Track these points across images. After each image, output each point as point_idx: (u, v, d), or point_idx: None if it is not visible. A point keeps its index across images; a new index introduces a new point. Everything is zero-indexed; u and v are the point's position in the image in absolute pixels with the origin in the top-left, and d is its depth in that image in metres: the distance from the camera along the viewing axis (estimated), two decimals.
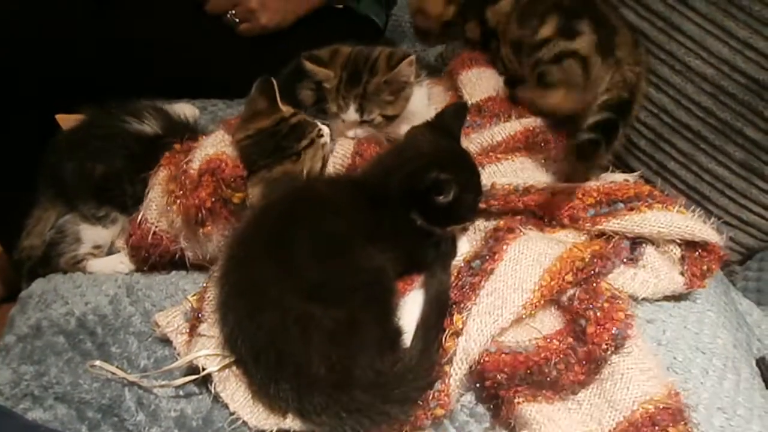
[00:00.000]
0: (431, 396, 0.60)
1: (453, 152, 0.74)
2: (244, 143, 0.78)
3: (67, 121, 1.05)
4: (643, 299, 0.72)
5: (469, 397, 0.63)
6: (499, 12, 0.94)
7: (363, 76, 0.81)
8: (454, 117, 0.75)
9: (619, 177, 0.80)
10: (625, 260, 0.72)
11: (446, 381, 0.60)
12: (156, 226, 0.77)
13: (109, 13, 1.08)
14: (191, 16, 1.12)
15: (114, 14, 1.07)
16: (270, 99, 0.79)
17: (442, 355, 0.61)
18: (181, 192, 0.75)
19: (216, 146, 0.78)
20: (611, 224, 0.72)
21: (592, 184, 0.77)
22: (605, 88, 0.80)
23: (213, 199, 0.73)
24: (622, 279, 0.72)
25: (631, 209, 0.72)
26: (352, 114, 0.82)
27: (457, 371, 0.60)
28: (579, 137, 0.73)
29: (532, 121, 0.86)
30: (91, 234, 0.83)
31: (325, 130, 0.81)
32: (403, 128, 0.81)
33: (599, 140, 0.73)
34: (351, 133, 0.84)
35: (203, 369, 0.62)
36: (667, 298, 0.74)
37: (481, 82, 0.93)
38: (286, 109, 0.80)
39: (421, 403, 0.59)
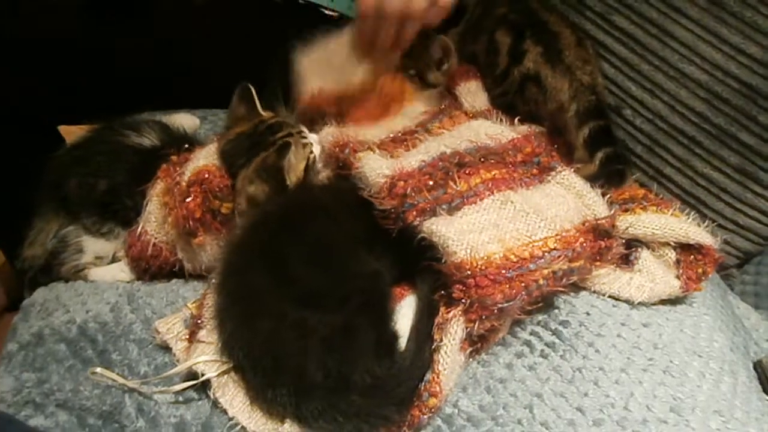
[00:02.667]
0: (422, 388, 0.60)
1: None
2: (224, 148, 0.79)
3: (69, 132, 1.06)
4: (640, 303, 0.72)
5: (465, 402, 0.63)
6: (456, 32, 0.98)
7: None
8: None
9: None
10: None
11: (435, 369, 0.60)
12: (155, 238, 0.78)
13: (112, 25, 1.09)
14: (192, 27, 1.14)
15: (117, 26, 1.09)
16: (249, 105, 0.81)
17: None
18: (174, 203, 0.76)
19: (207, 158, 0.79)
20: None
21: None
22: (569, 96, 0.83)
23: (202, 210, 0.74)
24: (618, 284, 0.73)
25: (626, 210, 0.73)
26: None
27: (445, 357, 0.61)
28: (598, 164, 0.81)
29: (526, 129, 0.87)
30: (94, 245, 0.84)
31: (313, 137, 0.82)
32: None
33: (623, 169, 0.80)
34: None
35: (202, 375, 0.62)
36: (663, 302, 0.74)
37: (480, 95, 0.95)
38: (266, 114, 0.81)
39: (415, 399, 0.60)
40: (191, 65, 1.12)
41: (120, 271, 0.82)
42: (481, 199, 0.67)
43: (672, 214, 0.73)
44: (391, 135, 0.80)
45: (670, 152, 0.90)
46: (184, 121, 0.98)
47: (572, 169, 0.75)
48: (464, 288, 0.61)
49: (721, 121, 0.86)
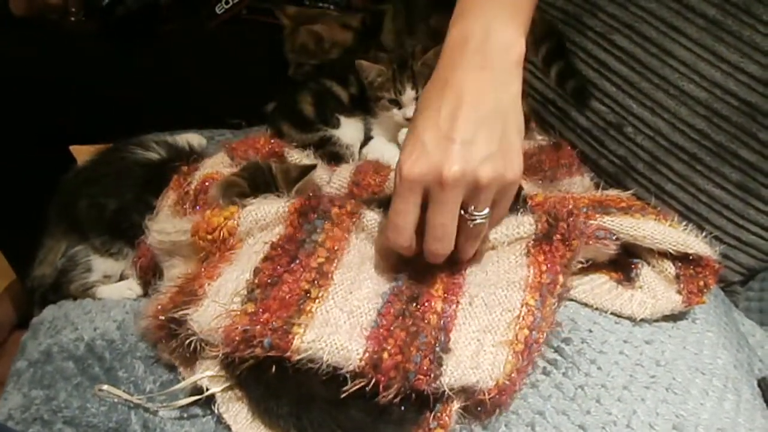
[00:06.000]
0: (432, 417, 0.60)
1: None
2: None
3: (80, 151, 1.08)
4: (642, 320, 0.73)
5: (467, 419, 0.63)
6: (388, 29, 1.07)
7: (408, 62, 0.96)
8: None
9: (612, 192, 0.82)
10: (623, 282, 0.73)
11: (448, 402, 0.60)
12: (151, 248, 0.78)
13: (125, 50, 1.12)
14: (202, 50, 1.17)
15: (129, 51, 1.12)
16: (299, 179, 0.79)
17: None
18: (183, 213, 0.77)
19: (213, 167, 0.81)
20: (605, 220, 0.72)
21: (584, 193, 0.79)
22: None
23: None
24: (620, 301, 0.73)
25: (625, 214, 0.73)
26: (409, 92, 0.95)
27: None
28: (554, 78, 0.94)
29: (524, 144, 0.87)
30: (102, 265, 0.85)
31: None
32: None
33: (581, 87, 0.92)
34: (411, 112, 0.95)
35: (207, 390, 0.63)
36: (666, 319, 0.74)
37: None
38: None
39: (420, 423, 0.60)
40: (200, 88, 1.15)
41: (127, 289, 0.83)
42: (456, 319, 0.62)
43: (670, 225, 0.73)
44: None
45: (672, 169, 0.90)
46: (192, 139, 1.00)
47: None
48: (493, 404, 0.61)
49: (721, 138, 0.86)
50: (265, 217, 0.68)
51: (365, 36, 1.14)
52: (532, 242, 0.68)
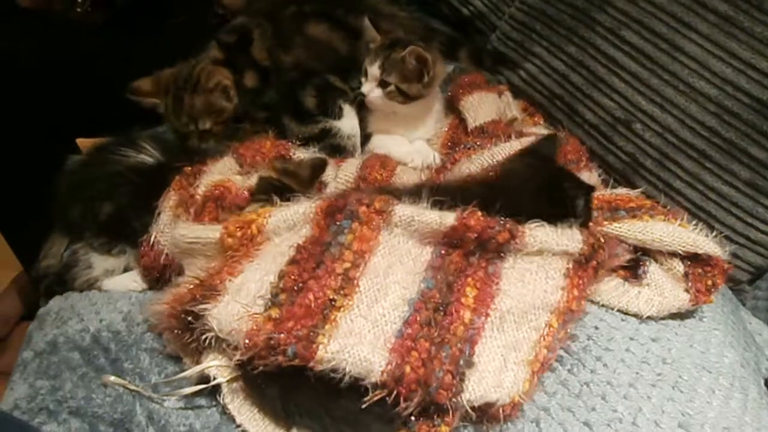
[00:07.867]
0: (437, 414, 0.59)
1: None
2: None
3: (86, 144, 1.08)
4: (649, 318, 0.72)
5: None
6: (261, 48, 1.00)
7: (396, 47, 0.92)
8: (549, 146, 0.82)
9: (621, 191, 0.82)
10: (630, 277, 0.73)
11: (453, 401, 0.59)
12: (168, 248, 0.78)
13: (128, 44, 1.12)
14: (205, 46, 1.17)
15: (131, 45, 1.12)
16: (313, 176, 0.81)
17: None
18: (187, 217, 0.77)
19: (223, 173, 0.81)
20: (613, 227, 0.72)
21: (594, 193, 0.78)
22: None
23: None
24: (627, 298, 0.73)
25: (634, 216, 0.73)
26: (375, 69, 0.92)
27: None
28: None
29: (532, 139, 0.87)
30: (103, 263, 0.85)
31: None
32: (419, 125, 0.97)
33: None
34: (367, 89, 0.93)
35: (213, 379, 0.63)
36: (672, 317, 0.74)
37: (483, 107, 0.97)
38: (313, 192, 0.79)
39: (425, 419, 0.59)
40: None
41: (132, 281, 0.83)
42: (483, 331, 0.62)
43: (679, 225, 0.73)
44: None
45: (681, 166, 0.89)
46: None
47: (525, 229, 0.66)
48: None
49: (731, 136, 0.86)
50: (293, 216, 0.67)
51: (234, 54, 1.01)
52: (572, 264, 0.67)
